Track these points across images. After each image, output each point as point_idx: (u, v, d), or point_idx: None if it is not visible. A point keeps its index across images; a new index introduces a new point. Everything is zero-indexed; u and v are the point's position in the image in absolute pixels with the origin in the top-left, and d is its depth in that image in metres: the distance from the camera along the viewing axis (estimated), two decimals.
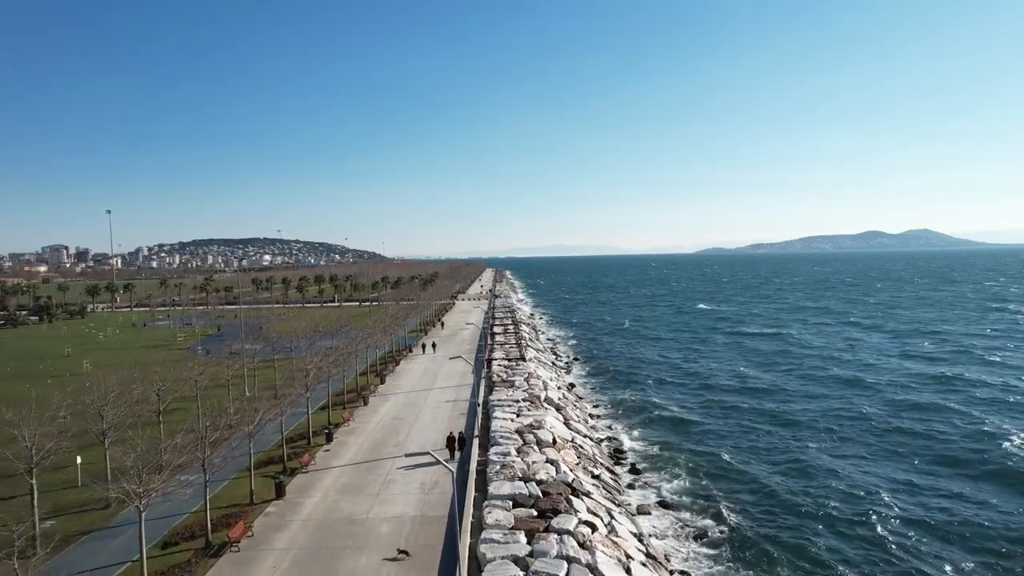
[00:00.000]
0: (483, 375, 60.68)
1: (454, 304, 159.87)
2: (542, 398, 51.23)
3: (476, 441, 39.13)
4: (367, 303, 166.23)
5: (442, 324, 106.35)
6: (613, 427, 54.36)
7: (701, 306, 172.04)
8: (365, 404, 52.29)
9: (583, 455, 40.29)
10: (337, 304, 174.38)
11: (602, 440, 49.24)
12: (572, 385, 69.03)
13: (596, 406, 61.57)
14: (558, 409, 50.25)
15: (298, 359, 63.06)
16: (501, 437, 39.23)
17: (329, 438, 41.83)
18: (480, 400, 50.85)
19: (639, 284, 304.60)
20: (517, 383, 55.82)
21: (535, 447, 37.82)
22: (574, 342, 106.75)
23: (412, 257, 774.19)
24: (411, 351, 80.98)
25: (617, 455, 46.41)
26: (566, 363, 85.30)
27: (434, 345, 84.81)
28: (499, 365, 65.66)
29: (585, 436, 46.18)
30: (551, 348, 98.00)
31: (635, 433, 52.47)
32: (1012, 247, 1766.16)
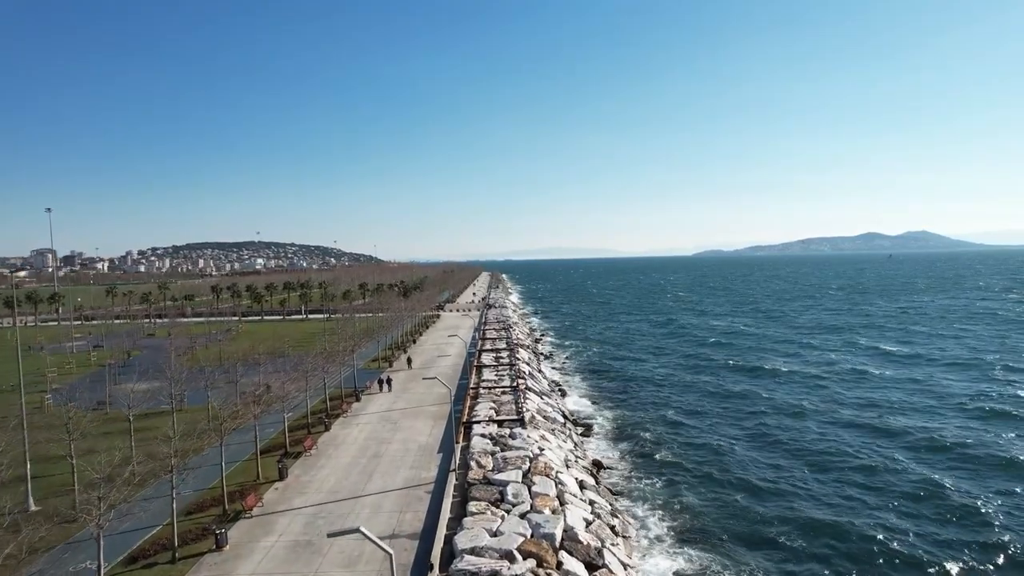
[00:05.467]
0: (454, 462, 35.86)
1: (439, 318, 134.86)
2: (557, 539, 26.50)
3: None
4: (336, 315, 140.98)
5: (409, 360, 74.61)
6: None
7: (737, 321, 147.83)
8: (219, 547, 27.31)
9: None
10: (303, 316, 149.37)
11: None
12: (599, 465, 44.01)
13: (645, 527, 36.33)
14: (592, 568, 25.49)
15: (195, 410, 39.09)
16: None
17: None
18: (439, 537, 26.22)
19: (648, 292, 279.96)
20: (510, 489, 31.05)
21: None
22: (588, 373, 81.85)
23: (410, 260, 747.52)
24: (358, 398, 55.85)
25: None
26: (583, 414, 60.41)
27: (389, 381, 60.84)
28: (483, 436, 40.85)
29: None
30: (558, 382, 73.24)
31: None
32: (1010, 248, 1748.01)
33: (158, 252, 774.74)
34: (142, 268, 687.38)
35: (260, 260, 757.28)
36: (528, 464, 34.75)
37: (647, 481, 41.59)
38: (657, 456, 46.64)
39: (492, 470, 34.56)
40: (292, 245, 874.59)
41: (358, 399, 55.15)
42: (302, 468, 37.54)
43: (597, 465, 43.69)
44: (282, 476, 35.54)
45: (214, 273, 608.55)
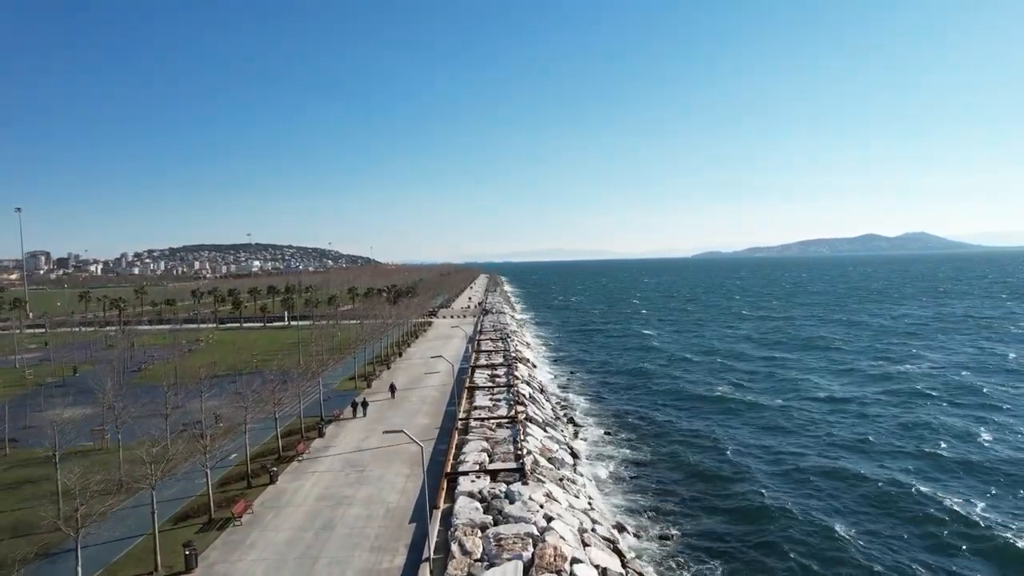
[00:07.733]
0: (428, 548, 25.95)
1: (431, 325, 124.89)
2: None
3: None
4: (322, 322, 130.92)
5: (392, 388, 58.60)
6: None
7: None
8: None
9: None
10: (285, 324, 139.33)
11: None
12: (622, 527, 34.08)
13: None
14: None
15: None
16: None
17: None
18: None
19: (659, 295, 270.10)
20: None
21: None
22: (596, 396, 72.02)
23: (408, 262, 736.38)
24: (321, 433, 45.80)
25: None
26: (597, 451, 50.43)
27: (364, 405, 51.49)
28: (471, 496, 31.01)
29: None
30: (564, 408, 63.44)
31: None
32: (1010, 249, 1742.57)
33: (154, 254, 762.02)
34: (136, 270, 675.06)
35: (257, 262, 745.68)
36: (531, 549, 24.91)
37: (684, 557, 31.71)
38: (682, 515, 36.83)
39: (480, 559, 24.74)
40: (289, 247, 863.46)
41: (321, 434, 45.14)
42: (223, 550, 27.53)
43: (620, 528, 33.81)
44: (189, 566, 25.58)
45: (209, 276, 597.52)
